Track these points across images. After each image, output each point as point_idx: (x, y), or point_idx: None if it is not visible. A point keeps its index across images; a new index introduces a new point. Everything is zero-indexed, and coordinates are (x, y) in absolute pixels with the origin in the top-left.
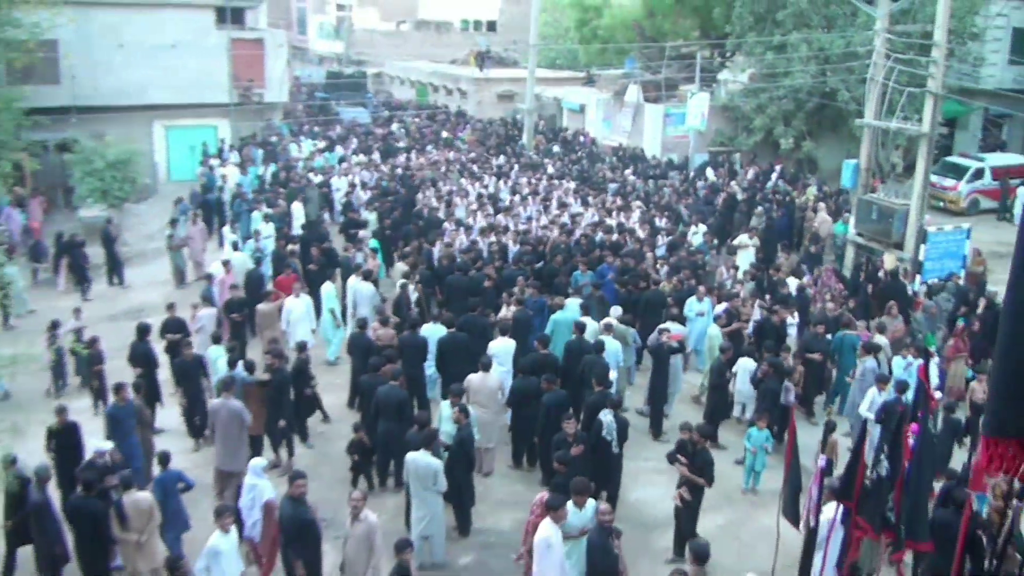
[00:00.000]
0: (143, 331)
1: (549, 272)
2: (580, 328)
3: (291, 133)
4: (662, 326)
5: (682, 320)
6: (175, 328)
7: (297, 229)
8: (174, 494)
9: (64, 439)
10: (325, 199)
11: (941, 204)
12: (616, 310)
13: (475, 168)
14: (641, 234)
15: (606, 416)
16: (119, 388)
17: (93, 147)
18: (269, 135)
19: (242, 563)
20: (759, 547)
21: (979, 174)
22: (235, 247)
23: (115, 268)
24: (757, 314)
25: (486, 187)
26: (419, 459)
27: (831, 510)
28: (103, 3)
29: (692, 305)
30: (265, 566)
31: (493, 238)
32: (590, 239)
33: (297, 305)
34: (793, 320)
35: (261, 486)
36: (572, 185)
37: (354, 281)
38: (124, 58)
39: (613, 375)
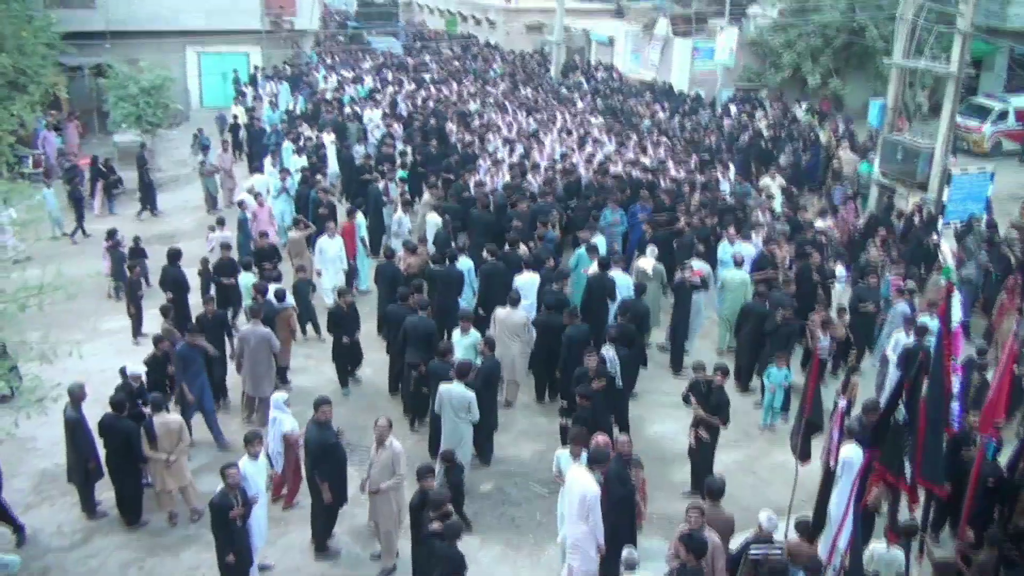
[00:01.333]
0: (174, 256)
1: (582, 209)
2: (602, 263)
3: (320, 62)
4: (685, 262)
5: (706, 257)
6: (229, 270)
7: (332, 163)
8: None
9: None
10: (361, 132)
11: (965, 145)
12: (652, 249)
13: (506, 102)
14: (675, 173)
15: (608, 351)
16: (189, 330)
17: (127, 72)
18: (298, 64)
19: (266, 490)
20: (775, 483)
21: (1003, 116)
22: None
23: (148, 194)
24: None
25: (517, 121)
26: (454, 389)
27: (849, 451)
28: None
29: (724, 248)
30: (287, 496)
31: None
32: (623, 178)
33: (331, 245)
34: (841, 272)
35: (282, 419)
36: (601, 120)
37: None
38: None
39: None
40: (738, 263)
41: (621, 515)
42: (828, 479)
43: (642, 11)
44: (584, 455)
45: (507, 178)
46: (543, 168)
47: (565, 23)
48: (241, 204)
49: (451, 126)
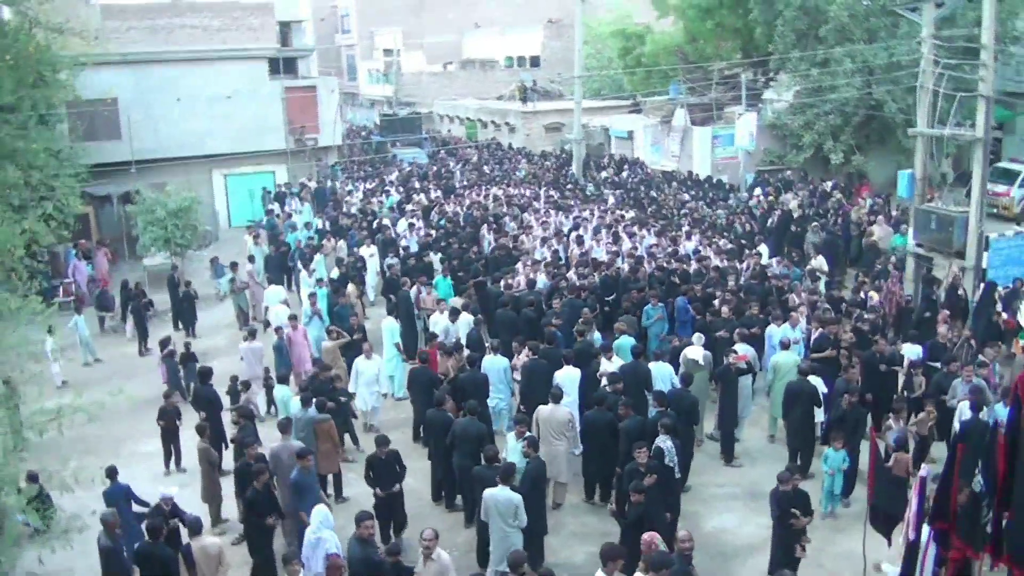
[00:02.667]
0: (205, 375)
1: (623, 304)
2: (635, 352)
3: (344, 175)
4: (729, 348)
5: (751, 341)
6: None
7: (371, 275)
8: (125, 510)
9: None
10: (391, 243)
11: (994, 210)
12: (699, 337)
13: (535, 203)
14: (717, 261)
15: (665, 442)
16: (302, 454)
17: (155, 197)
18: (323, 178)
19: None
20: (844, 573)
21: None
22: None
23: (183, 315)
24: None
25: (550, 221)
26: (499, 494)
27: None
28: (161, 60)
29: (773, 332)
30: None
31: (568, 273)
32: (664, 270)
33: (368, 367)
34: (916, 353)
35: (326, 537)
36: (632, 214)
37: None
38: (182, 111)
39: None
40: (785, 346)
41: None
42: (912, 553)
43: (659, 104)
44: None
45: (544, 278)
46: (578, 265)
47: (583, 121)
48: (278, 330)
49: (484, 231)
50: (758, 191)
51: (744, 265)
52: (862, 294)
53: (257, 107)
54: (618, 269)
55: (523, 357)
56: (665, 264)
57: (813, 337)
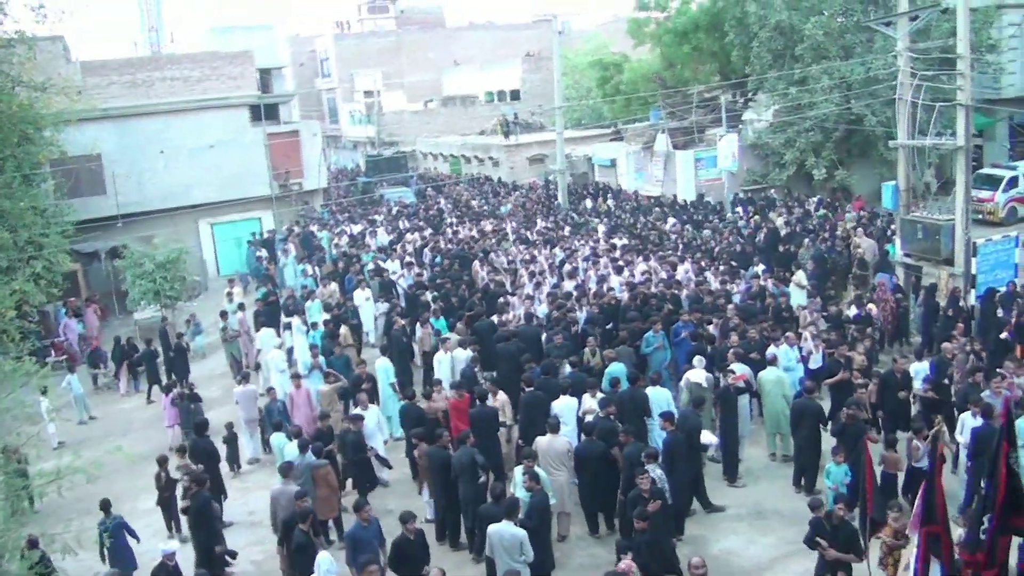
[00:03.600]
0: (201, 427)
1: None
2: (632, 379)
3: (331, 219)
4: (727, 368)
5: (752, 362)
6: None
7: (368, 320)
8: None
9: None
10: (390, 285)
11: (979, 216)
12: (700, 360)
13: (527, 234)
14: (714, 285)
15: (655, 471)
16: (359, 507)
17: (142, 251)
18: (309, 222)
19: None
20: None
21: (1014, 182)
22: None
23: (176, 367)
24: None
25: (542, 254)
26: (503, 530)
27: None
28: (143, 113)
29: (786, 353)
30: None
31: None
32: (660, 297)
33: (368, 418)
34: (924, 370)
35: None
36: (624, 242)
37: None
38: (166, 162)
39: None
40: (771, 362)
41: None
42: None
43: (640, 131)
44: None
45: (544, 308)
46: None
47: (566, 151)
48: (270, 391)
49: (476, 266)
50: (739, 210)
51: (742, 286)
52: (862, 308)
53: (240, 154)
54: (616, 298)
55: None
56: (659, 291)
57: (814, 357)
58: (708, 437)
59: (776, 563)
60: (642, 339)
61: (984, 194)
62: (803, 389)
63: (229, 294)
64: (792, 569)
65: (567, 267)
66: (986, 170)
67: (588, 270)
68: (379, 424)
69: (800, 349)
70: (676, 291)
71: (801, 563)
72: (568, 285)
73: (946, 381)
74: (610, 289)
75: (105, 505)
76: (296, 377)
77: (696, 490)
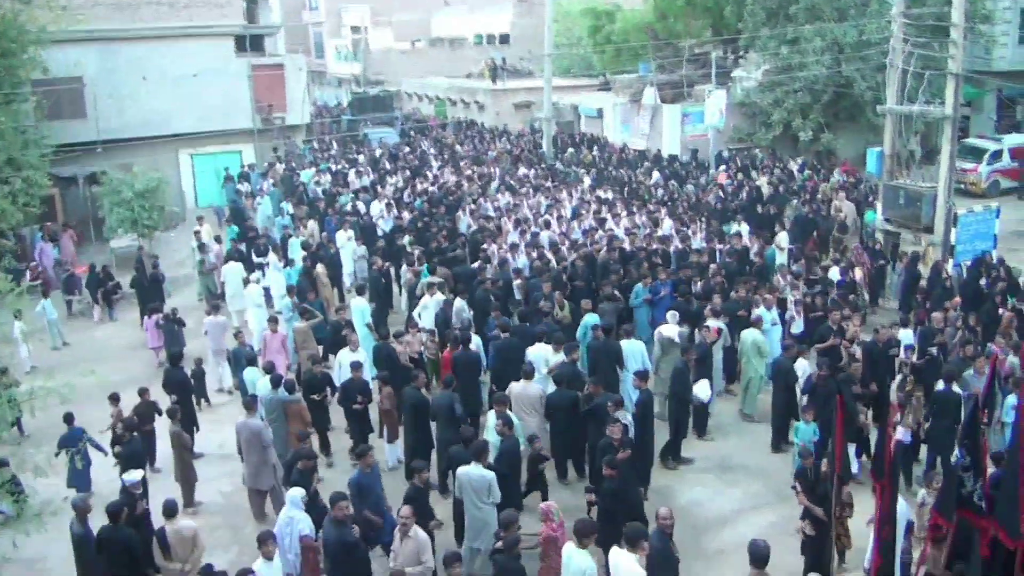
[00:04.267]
0: (175, 357)
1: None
2: (605, 330)
3: (312, 156)
4: (702, 323)
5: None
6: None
7: (348, 262)
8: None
9: None
10: (372, 229)
11: (962, 187)
12: (673, 315)
13: (511, 182)
14: (697, 243)
15: (625, 417)
16: (362, 453)
17: (121, 178)
18: (289, 157)
19: None
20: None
21: (998, 155)
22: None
23: (151, 297)
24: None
25: (522, 203)
26: (472, 472)
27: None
28: (126, 37)
29: (764, 315)
30: None
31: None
32: (646, 251)
33: (354, 359)
34: (908, 339)
35: (298, 518)
36: (609, 195)
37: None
38: (148, 89)
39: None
40: (754, 323)
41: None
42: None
43: (628, 83)
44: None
45: (523, 259)
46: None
47: (553, 99)
48: (238, 335)
49: (461, 213)
50: (722, 168)
51: (726, 246)
52: (846, 274)
53: (224, 85)
54: (599, 250)
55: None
56: (646, 246)
57: (796, 322)
58: (704, 391)
59: (740, 516)
60: (631, 292)
61: (968, 165)
62: (784, 347)
63: (197, 232)
64: (756, 522)
65: (550, 216)
66: (972, 141)
67: (572, 221)
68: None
69: (782, 313)
70: (664, 247)
71: (765, 516)
72: (548, 235)
73: (933, 351)
74: (594, 242)
75: (68, 418)
76: (272, 321)
77: (674, 443)
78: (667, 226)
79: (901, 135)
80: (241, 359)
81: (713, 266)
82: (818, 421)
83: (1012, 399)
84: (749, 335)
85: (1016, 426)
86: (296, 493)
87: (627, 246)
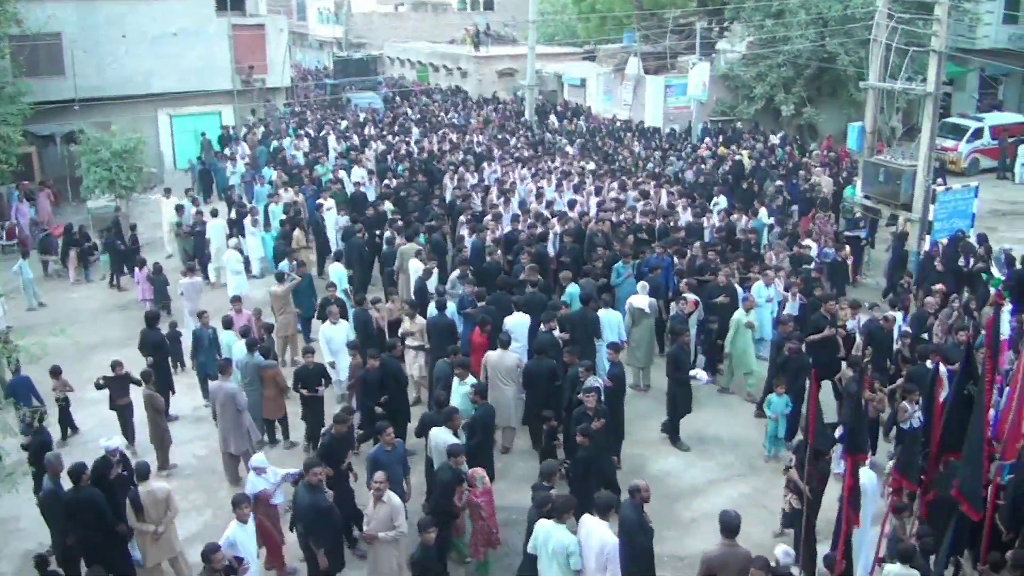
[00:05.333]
0: (152, 318)
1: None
2: (584, 299)
3: (292, 119)
4: (680, 295)
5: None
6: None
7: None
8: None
9: None
10: (358, 198)
11: (941, 164)
12: (643, 286)
13: (495, 150)
14: (684, 218)
15: (596, 381)
16: (381, 430)
17: (99, 137)
18: (269, 121)
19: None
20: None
21: (978, 134)
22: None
23: (128, 259)
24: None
25: (514, 172)
26: (441, 435)
27: (864, 475)
28: None
29: (759, 290)
30: (268, 559)
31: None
32: (630, 226)
33: (336, 332)
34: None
35: (255, 483)
36: (593, 166)
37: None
38: (127, 48)
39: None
40: (745, 303)
41: (642, 566)
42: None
43: (612, 52)
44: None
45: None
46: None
47: (536, 67)
48: (202, 315)
49: (446, 180)
50: (708, 141)
51: (711, 221)
52: (839, 252)
53: (204, 46)
54: (588, 221)
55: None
56: (633, 220)
57: (790, 304)
58: (702, 373)
59: (712, 486)
60: (611, 270)
61: (948, 143)
62: (776, 327)
63: (180, 207)
64: (727, 493)
65: (536, 186)
66: (953, 119)
67: (557, 191)
68: (348, 337)
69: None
70: (649, 221)
71: (737, 487)
72: (536, 205)
73: (925, 336)
74: (583, 214)
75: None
76: (236, 300)
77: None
78: (663, 200)
79: (883, 111)
80: (203, 341)
81: (696, 245)
82: (790, 394)
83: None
84: (740, 315)
85: (979, 400)
86: (257, 459)
87: (615, 219)
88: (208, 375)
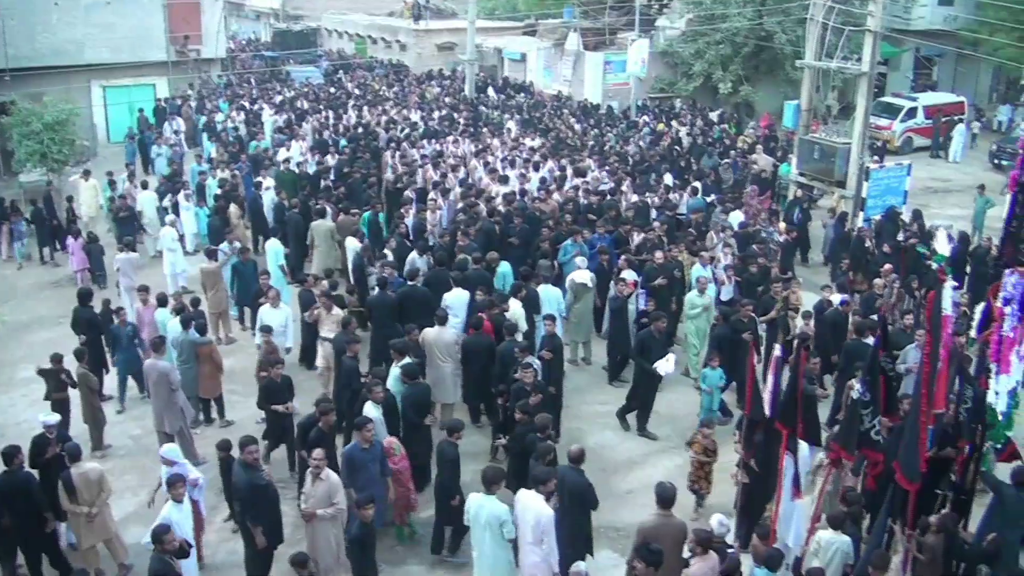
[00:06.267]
0: (85, 296)
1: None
2: (525, 275)
3: (226, 91)
4: (619, 276)
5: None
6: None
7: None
8: None
9: None
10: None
11: (876, 143)
12: (583, 260)
13: (439, 128)
14: (633, 197)
15: (535, 361)
16: (359, 426)
17: (30, 109)
18: (205, 91)
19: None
20: (720, 484)
21: (912, 113)
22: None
23: (57, 235)
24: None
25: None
26: (373, 413)
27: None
28: None
29: (698, 271)
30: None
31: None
32: (576, 205)
33: (275, 317)
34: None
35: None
36: (537, 143)
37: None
38: (60, 16)
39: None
40: (701, 289)
41: (581, 507)
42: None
43: (552, 27)
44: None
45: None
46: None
47: (476, 42)
48: (119, 311)
49: (387, 157)
50: (645, 118)
51: (655, 199)
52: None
53: (138, 14)
54: (529, 201)
55: None
56: (579, 198)
57: (726, 288)
58: (666, 367)
59: (649, 458)
60: (559, 248)
61: (883, 122)
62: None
63: (86, 173)
64: (663, 465)
65: (479, 163)
66: (887, 98)
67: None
68: (287, 326)
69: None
70: (598, 200)
71: (672, 459)
72: (481, 183)
73: (874, 317)
74: (524, 191)
75: None
76: (143, 291)
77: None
78: (592, 177)
79: (819, 90)
80: (121, 338)
81: (657, 225)
82: (724, 367)
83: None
84: (700, 301)
85: (919, 374)
86: (165, 450)
87: (559, 196)
88: (130, 374)
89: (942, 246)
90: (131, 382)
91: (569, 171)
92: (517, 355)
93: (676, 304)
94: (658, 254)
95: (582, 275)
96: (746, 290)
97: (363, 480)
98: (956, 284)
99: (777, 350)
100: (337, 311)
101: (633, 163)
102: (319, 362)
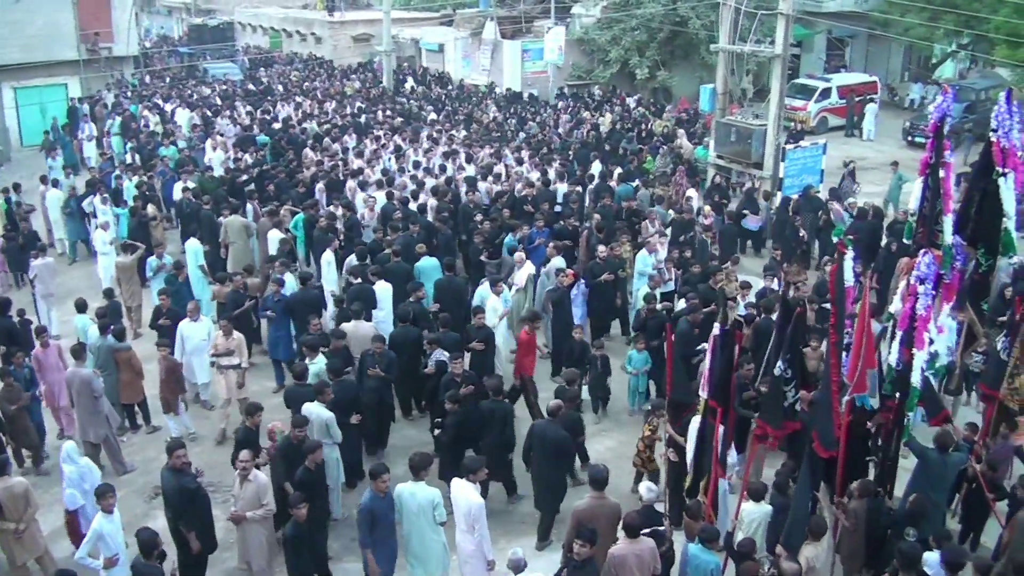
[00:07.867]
0: (3, 305)
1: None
2: (449, 266)
3: (139, 90)
4: (559, 268)
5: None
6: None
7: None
8: None
9: None
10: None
11: (791, 124)
12: (520, 257)
13: (361, 120)
14: (564, 188)
15: (442, 355)
16: (375, 475)
17: None
18: (121, 94)
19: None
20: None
21: (826, 93)
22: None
23: None
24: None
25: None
26: (313, 409)
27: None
28: None
29: (644, 260)
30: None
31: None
32: (512, 198)
33: (196, 331)
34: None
35: (67, 471)
36: (464, 134)
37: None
38: None
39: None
40: (654, 286)
41: (558, 459)
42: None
43: (469, 17)
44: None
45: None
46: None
47: (393, 32)
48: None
49: (308, 152)
50: (561, 104)
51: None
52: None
53: (47, 11)
54: (459, 194)
55: None
56: (514, 190)
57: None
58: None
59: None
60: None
61: (797, 103)
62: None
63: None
64: (594, 448)
65: (408, 155)
66: (801, 80)
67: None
68: (209, 339)
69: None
70: (532, 192)
71: (603, 442)
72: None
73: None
74: (451, 179)
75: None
76: (42, 333)
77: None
78: (521, 169)
79: (733, 73)
80: (20, 379)
81: (596, 218)
82: (649, 351)
83: None
84: (645, 291)
85: (827, 346)
86: (68, 446)
87: (493, 188)
88: (34, 422)
89: (840, 220)
90: None
91: (503, 163)
92: (426, 347)
93: (620, 299)
94: (601, 249)
95: (559, 260)
96: (686, 282)
97: (382, 532)
98: (856, 256)
99: (716, 329)
100: (237, 335)
101: (556, 150)
102: (222, 393)
